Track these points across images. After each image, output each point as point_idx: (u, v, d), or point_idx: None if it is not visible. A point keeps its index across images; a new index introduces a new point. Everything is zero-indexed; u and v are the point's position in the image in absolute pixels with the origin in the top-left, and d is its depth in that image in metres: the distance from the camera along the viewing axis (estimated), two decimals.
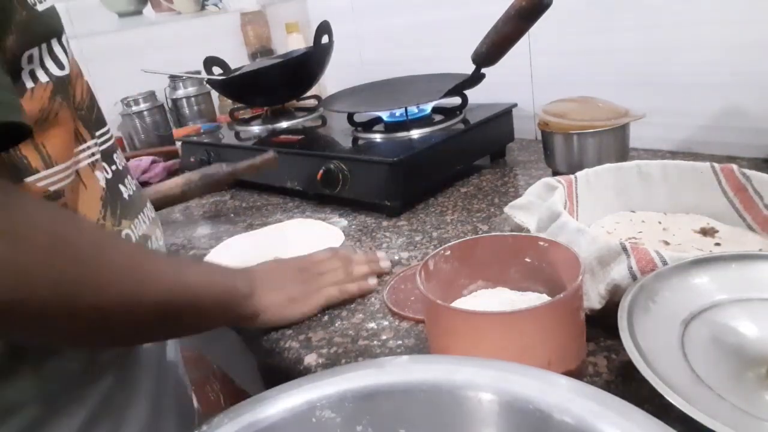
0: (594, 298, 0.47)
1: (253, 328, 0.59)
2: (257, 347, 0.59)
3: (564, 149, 0.78)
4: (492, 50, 0.75)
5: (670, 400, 0.30)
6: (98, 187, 0.46)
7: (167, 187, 0.91)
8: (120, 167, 0.51)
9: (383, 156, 0.81)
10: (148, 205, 0.56)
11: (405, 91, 1.04)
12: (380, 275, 0.64)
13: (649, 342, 0.35)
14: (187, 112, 1.53)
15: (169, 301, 0.41)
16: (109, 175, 0.48)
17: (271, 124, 1.13)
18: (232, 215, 0.95)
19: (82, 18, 1.48)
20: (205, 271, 0.50)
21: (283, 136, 1.02)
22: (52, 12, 0.42)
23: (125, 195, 0.50)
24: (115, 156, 0.51)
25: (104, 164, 0.48)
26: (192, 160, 1.11)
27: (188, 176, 0.92)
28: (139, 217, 0.51)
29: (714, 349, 0.37)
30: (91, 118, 0.48)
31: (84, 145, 0.46)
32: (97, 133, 0.49)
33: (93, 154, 0.47)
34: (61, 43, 0.43)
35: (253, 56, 1.63)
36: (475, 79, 0.82)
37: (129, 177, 0.52)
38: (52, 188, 0.41)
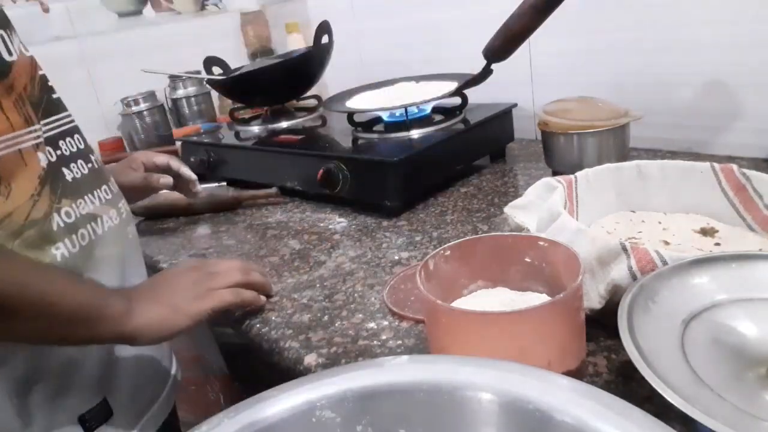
0: (594, 298, 0.47)
1: (254, 331, 0.59)
2: (257, 347, 0.59)
3: (564, 149, 0.78)
4: (506, 44, 0.73)
5: (670, 400, 0.30)
6: (38, 167, 0.52)
7: (175, 198, 0.96)
8: (68, 152, 0.56)
9: (383, 156, 0.81)
10: (109, 186, 0.61)
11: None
12: (268, 296, 0.64)
13: (649, 342, 0.35)
14: (187, 112, 1.53)
15: (17, 307, 0.44)
16: (53, 158, 0.54)
17: (271, 124, 1.13)
18: (232, 215, 0.96)
19: (82, 18, 1.49)
20: (73, 286, 0.49)
21: (283, 136, 1.02)
22: None
23: (69, 177, 0.55)
24: (61, 142, 0.56)
25: (48, 148, 0.54)
26: (192, 160, 1.11)
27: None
28: (86, 198, 0.56)
29: (714, 349, 0.37)
30: (40, 105, 0.54)
31: (30, 128, 0.52)
32: (46, 120, 0.54)
33: (38, 137, 0.52)
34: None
35: (253, 56, 1.63)
36: (485, 75, 0.81)
37: (81, 162, 0.57)
38: None
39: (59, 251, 0.51)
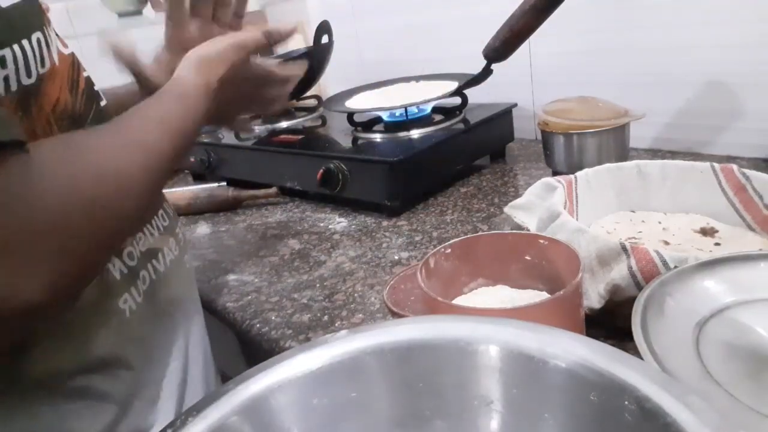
0: (594, 298, 0.47)
1: (254, 331, 0.59)
2: (257, 347, 0.59)
3: (564, 149, 0.78)
4: (506, 44, 0.73)
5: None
6: None
7: (175, 197, 0.97)
8: None
9: (383, 156, 0.81)
10: (162, 213, 0.53)
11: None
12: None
13: (664, 349, 0.35)
14: None
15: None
16: None
17: (271, 124, 1.13)
18: (232, 215, 0.96)
19: (82, 18, 1.48)
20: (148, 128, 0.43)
21: (283, 136, 1.02)
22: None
23: None
24: None
25: None
26: (192, 160, 1.11)
27: (196, 192, 0.99)
28: (145, 230, 0.48)
29: (729, 354, 0.36)
30: (86, 120, 0.45)
31: None
32: None
33: None
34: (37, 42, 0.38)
35: None
36: (485, 75, 0.81)
37: None
38: None
39: (127, 304, 0.43)
